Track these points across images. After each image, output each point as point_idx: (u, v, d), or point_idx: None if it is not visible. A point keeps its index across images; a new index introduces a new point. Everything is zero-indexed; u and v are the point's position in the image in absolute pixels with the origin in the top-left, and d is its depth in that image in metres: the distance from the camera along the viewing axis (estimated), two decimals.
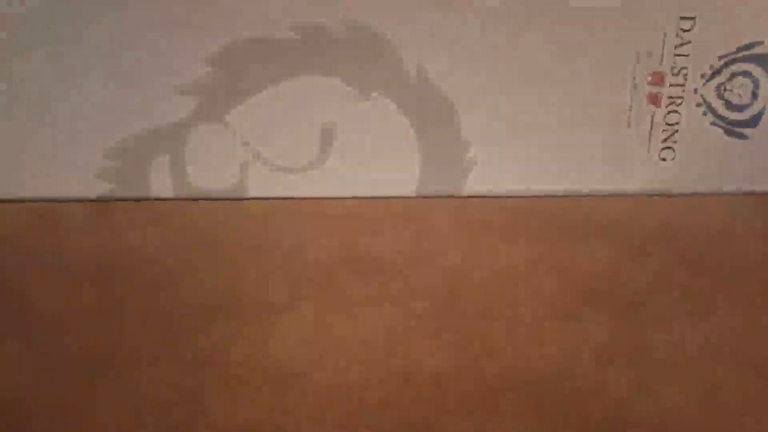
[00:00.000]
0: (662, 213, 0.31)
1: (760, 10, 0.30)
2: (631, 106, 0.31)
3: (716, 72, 0.31)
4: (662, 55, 0.30)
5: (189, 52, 0.29)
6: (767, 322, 0.25)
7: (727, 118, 0.31)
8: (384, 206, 0.31)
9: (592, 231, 0.30)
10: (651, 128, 0.31)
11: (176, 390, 0.22)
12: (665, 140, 0.31)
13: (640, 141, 0.31)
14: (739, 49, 0.30)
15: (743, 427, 0.21)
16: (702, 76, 0.31)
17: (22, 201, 0.30)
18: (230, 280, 0.27)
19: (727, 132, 0.31)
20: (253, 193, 0.31)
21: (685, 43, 0.30)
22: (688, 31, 0.30)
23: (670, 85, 0.31)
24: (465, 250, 0.29)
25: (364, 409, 0.22)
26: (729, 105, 0.31)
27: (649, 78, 0.30)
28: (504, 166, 0.31)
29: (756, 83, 0.31)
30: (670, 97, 0.31)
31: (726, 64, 0.30)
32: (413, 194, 0.31)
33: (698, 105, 0.31)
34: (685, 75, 0.30)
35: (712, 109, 0.31)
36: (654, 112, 0.31)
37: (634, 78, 0.30)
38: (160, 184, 0.31)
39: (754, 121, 0.31)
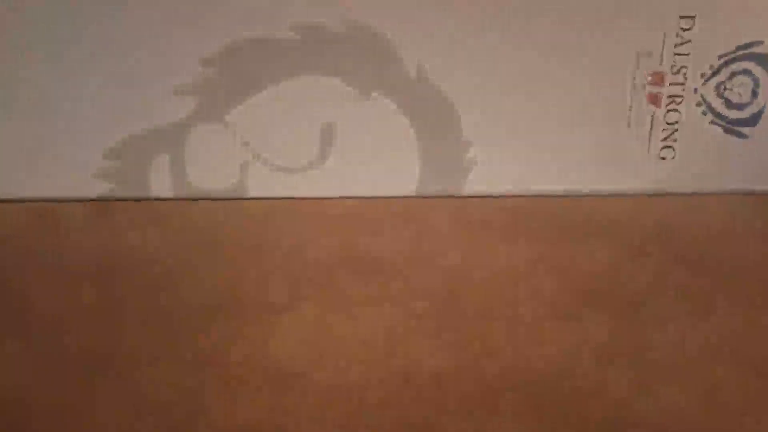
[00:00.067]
0: (662, 213, 0.31)
1: (760, 10, 0.30)
2: (631, 106, 0.31)
3: (716, 71, 0.31)
4: (662, 55, 0.30)
5: (189, 52, 0.29)
6: (767, 322, 0.25)
7: (726, 117, 0.31)
8: (384, 206, 0.31)
9: (592, 231, 0.30)
10: (651, 128, 0.31)
11: (176, 390, 0.22)
12: (665, 139, 0.31)
13: (640, 140, 0.31)
14: (738, 48, 0.30)
15: (743, 427, 0.21)
16: (702, 75, 0.31)
17: (22, 201, 0.30)
18: (230, 280, 0.27)
19: (727, 131, 0.31)
20: (253, 193, 0.31)
21: (685, 43, 0.30)
22: (687, 30, 0.30)
23: (670, 84, 0.31)
24: (465, 250, 0.29)
25: (364, 409, 0.22)
26: (729, 104, 0.31)
27: (649, 77, 0.30)
28: (504, 166, 0.31)
29: (756, 82, 0.31)
30: (670, 97, 0.31)
31: (726, 63, 0.30)
32: (413, 194, 0.31)
33: (698, 104, 0.31)
34: (685, 74, 0.30)
35: (711, 108, 0.31)
36: (654, 112, 0.31)
37: (634, 77, 0.30)
38: (160, 184, 0.31)
39: (753, 120, 0.31)
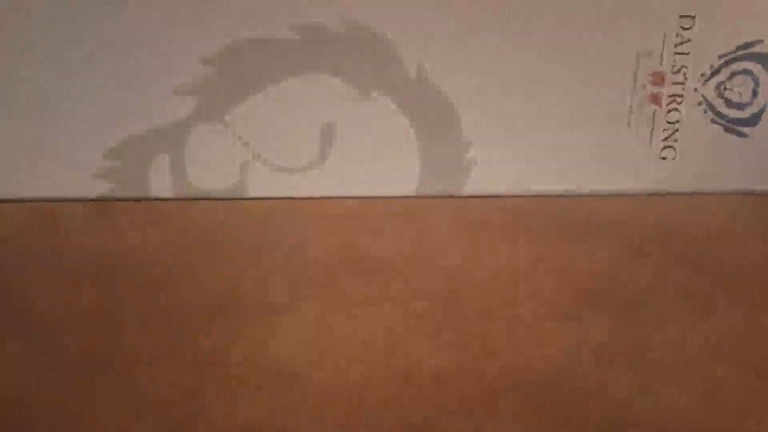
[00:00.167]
0: (662, 213, 0.31)
1: (760, 9, 0.30)
2: (631, 106, 0.31)
3: (716, 71, 0.31)
4: (662, 55, 0.30)
5: (189, 52, 0.29)
6: (767, 322, 0.25)
7: (727, 117, 0.31)
8: (384, 206, 0.31)
9: (592, 231, 0.30)
10: (652, 127, 0.31)
11: (176, 390, 0.22)
12: (666, 139, 0.31)
13: (641, 140, 0.31)
14: (738, 48, 0.30)
15: (743, 427, 0.21)
16: (702, 75, 0.31)
17: (22, 201, 0.30)
18: (230, 280, 0.27)
19: (728, 130, 0.31)
20: (253, 193, 0.31)
21: (685, 42, 0.30)
22: (688, 29, 0.30)
23: (671, 84, 0.31)
24: (465, 250, 0.29)
25: (364, 409, 0.22)
26: (729, 103, 0.31)
27: (650, 77, 0.30)
28: (504, 166, 0.31)
29: (756, 82, 0.31)
30: (671, 96, 0.31)
31: (726, 63, 0.30)
32: (413, 194, 0.31)
33: (699, 104, 0.31)
34: (685, 74, 0.30)
35: (712, 108, 0.31)
36: (655, 111, 0.31)
37: (635, 77, 0.30)
38: (160, 184, 0.31)
39: (754, 120, 0.31)
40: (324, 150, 0.31)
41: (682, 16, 0.30)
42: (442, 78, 0.30)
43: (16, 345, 0.24)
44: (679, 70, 0.30)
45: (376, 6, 0.29)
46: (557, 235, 0.29)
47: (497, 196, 0.31)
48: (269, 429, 0.21)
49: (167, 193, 0.31)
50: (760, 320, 0.25)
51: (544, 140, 0.31)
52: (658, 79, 0.30)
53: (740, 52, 0.30)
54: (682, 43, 0.30)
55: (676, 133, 0.31)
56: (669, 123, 0.31)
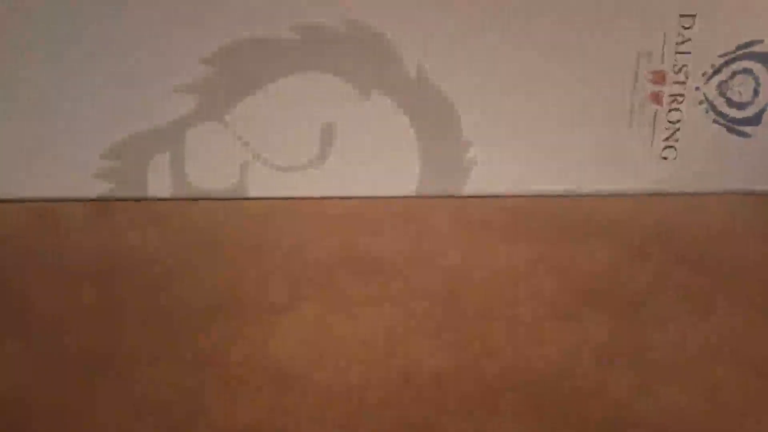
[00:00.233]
0: (662, 213, 0.31)
1: (760, 9, 0.30)
2: (632, 106, 0.31)
3: (717, 70, 0.30)
4: (663, 54, 0.30)
5: (189, 51, 0.29)
6: (767, 322, 0.25)
7: (728, 116, 0.31)
8: (384, 206, 0.31)
9: (592, 231, 0.30)
10: (653, 127, 0.31)
11: (176, 390, 0.22)
12: (667, 139, 0.31)
13: (642, 140, 0.31)
14: (739, 47, 0.30)
15: (743, 427, 0.21)
16: (703, 74, 0.31)
17: (22, 201, 0.30)
18: (230, 280, 0.27)
19: (729, 130, 0.31)
20: (253, 193, 0.31)
21: (686, 41, 0.30)
22: (688, 29, 0.30)
23: (672, 83, 0.31)
24: (465, 250, 0.29)
25: (364, 409, 0.22)
26: (730, 103, 0.31)
27: (650, 77, 0.30)
28: (504, 166, 0.31)
29: (757, 81, 0.31)
30: (672, 96, 0.31)
31: (727, 63, 0.30)
32: (413, 194, 0.31)
33: (700, 103, 0.31)
34: (686, 73, 0.30)
35: (713, 107, 0.31)
36: (656, 111, 0.31)
37: (635, 77, 0.30)
38: (160, 184, 0.31)
39: (755, 119, 0.31)
40: (324, 150, 0.31)
41: (682, 16, 0.30)
42: (442, 78, 0.30)
43: (16, 345, 0.24)
44: (680, 70, 0.30)
45: (376, 6, 0.29)
46: (557, 235, 0.29)
47: (497, 196, 0.31)
48: (269, 429, 0.21)
49: (167, 193, 0.31)
50: (760, 320, 0.25)
51: (544, 140, 0.31)
52: (659, 78, 0.30)
53: (741, 52, 0.30)
54: (682, 43, 0.30)
55: (677, 132, 0.31)
56: (670, 123, 0.31)
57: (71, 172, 0.30)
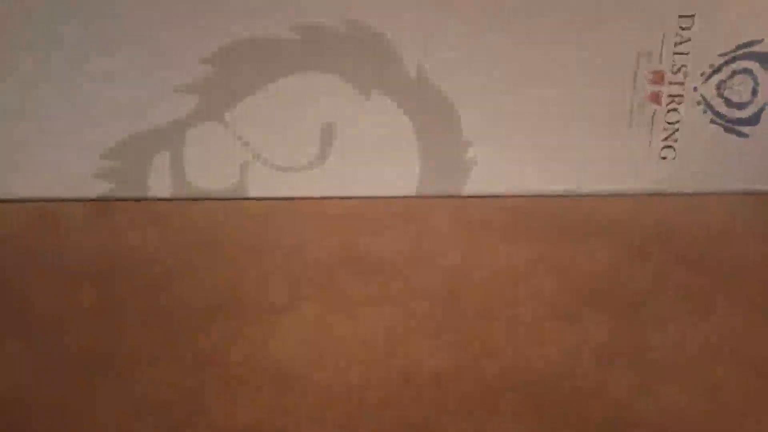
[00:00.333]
0: (662, 213, 0.31)
1: (759, 9, 0.30)
2: (631, 106, 0.31)
3: (716, 70, 0.31)
4: (662, 54, 0.30)
5: (189, 51, 0.29)
6: (767, 322, 0.25)
7: (726, 116, 0.31)
8: (384, 206, 0.31)
9: (592, 231, 0.30)
10: (652, 127, 0.31)
11: (176, 390, 0.22)
12: (666, 139, 0.31)
13: (641, 140, 0.31)
14: (738, 47, 0.30)
15: (743, 427, 0.21)
16: (702, 74, 0.31)
17: (22, 201, 0.30)
18: (230, 280, 0.27)
19: (728, 130, 0.31)
20: (253, 193, 0.31)
21: (685, 42, 0.30)
22: (687, 29, 0.30)
23: (670, 84, 0.31)
24: (465, 250, 0.29)
25: (364, 409, 0.22)
26: (729, 103, 0.31)
27: (650, 77, 0.30)
28: (504, 166, 0.31)
29: (756, 81, 0.31)
30: (671, 96, 0.31)
31: (726, 62, 0.30)
32: (413, 194, 0.31)
33: (698, 103, 0.31)
34: (685, 73, 0.30)
35: (711, 108, 0.31)
36: (654, 111, 0.31)
37: (635, 77, 0.30)
38: (160, 184, 0.31)
39: (754, 119, 0.31)
40: (324, 150, 0.31)
41: (681, 16, 0.30)
42: (442, 78, 0.30)
43: (16, 345, 0.24)
44: (678, 70, 0.30)
45: (376, 6, 0.29)
46: (557, 235, 0.29)
47: (497, 196, 0.31)
48: (269, 429, 0.21)
49: (167, 193, 0.31)
50: (760, 320, 0.25)
51: (544, 140, 0.31)
52: (658, 77, 0.30)
53: (740, 51, 0.30)
54: (681, 43, 0.30)
55: (676, 133, 0.31)
56: (669, 123, 0.31)
57: (71, 172, 0.30)
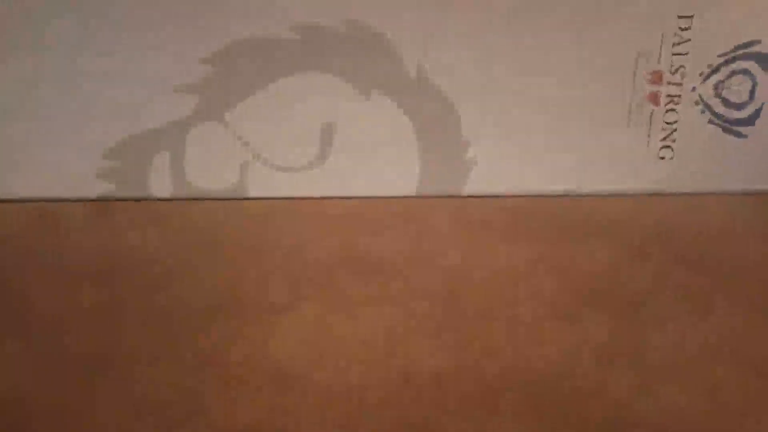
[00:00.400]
0: (662, 213, 0.31)
1: (758, 9, 0.30)
2: (630, 106, 0.31)
3: (714, 70, 0.31)
4: (660, 54, 0.30)
5: (189, 51, 0.29)
6: (767, 322, 0.25)
7: (724, 117, 0.31)
8: (384, 206, 0.31)
9: (592, 231, 0.30)
10: (650, 127, 0.31)
11: (176, 390, 0.22)
12: (664, 139, 0.31)
13: (640, 140, 0.31)
14: (737, 48, 0.30)
15: (743, 427, 0.21)
16: (700, 74, 0.31)
17: (22, 201, 0.30)
18: (230, 280, 0.27)
19: (726, 130, 0.31)
20: (253, 193, 0.31)
21: (684, 42, 0.30)
22: (686, 30, 0.30)
23: (669, 84, 0.31)
24: (465, 250, 0.29)
25: (364, 409, 0.22)
26: (727, 103, 0.31)
27: (648, 77, 0.30)
28: (504, 166, 0.31)
29: (754, 82, 0.31)
30: (669, 96, 0.31)
31: (724, 63, 0.30)
32: (413, 194, 0.31)
33: (696, 103, 0.31)
34: (684, 74, 0.30)
35: (710, 108, 0.31)
36: (653, 111, 0.31)
37: (634, 77, 0.30)
38: (160, 184, 0.31)
39: (752, 120, 0.31)
40: (324, 150, 0.31)
41: (680, 17, 0.30)
42: (442, 78, 0.30)
43: (16, 345, 0.24)
44: (677, 71, 0.30)
45: (376, 6, 0.29)
46: (557, 235, 0.29)
47: (497, 196, 0.31)
48: (269, 429, 0.21)
49: (167, 193, 0.31)
50: (760, 320, 0.25)
51: (543, 140, 0.31)
52: (657, 78, 0.30)
53: (739, 52, 0.30)
54: (680, 44, 0.30)
55: (674, 133, 0.31)
56: (667, 123, 0.31)
57: (71, 172, 0.30)
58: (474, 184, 0.31)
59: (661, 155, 0.31)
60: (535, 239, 0.29)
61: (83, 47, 0.29)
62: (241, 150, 0.30)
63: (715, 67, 0.30)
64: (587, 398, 0.22)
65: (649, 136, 0.31)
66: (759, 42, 0.30)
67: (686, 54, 0.30)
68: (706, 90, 0.31)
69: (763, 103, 0.31)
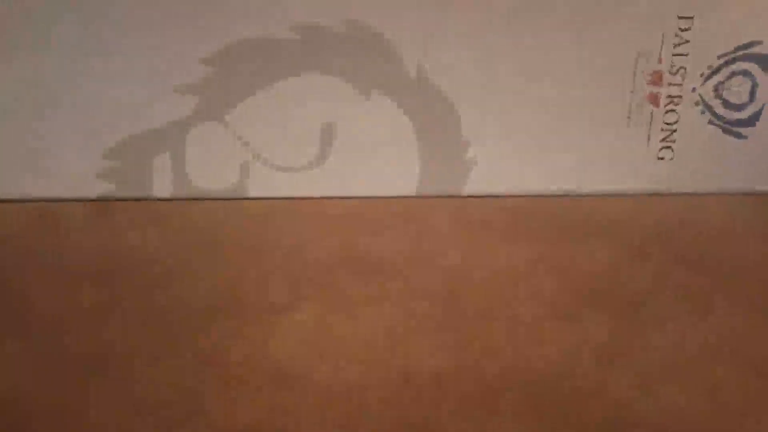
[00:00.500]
0: (662, 213, 0.31)
1: (758, 10, 0.30)
2: (630, 106, 0.31)
3: (715, 71, 0.31)
4: (661, 55, 0.30)
5: (189, 51, 0.29)
6: (767, 322, 0.25)
7: (725, 118, 0.31)
8: (384, 206, 0.31)
9: (592, 231, 0.30)
10: (650, 128, 0.31)
11: (176, 390, 0.22)
12: (664, 140, 0.31)
13: (640, 141, 0.31)
14: (737, 49, 0.30)
15: (743, 427, 0.21)
16: (701, 75, 0.31)
17: (22, 201, 0.30)
18: (230, 280, 0.27)
19: (726, 131, 0.31)
20: (253, 193, 0.31)
21: (684, 43, 0.30)
22: (686, 30, 0.30)
23: (669, 85, 0.31)
24: (465, 250, 0.29)
25: (364, 409, 0.22)
26: (727, 104, 0.31)
27: (648, 77, 0.30)
28: (504, 166, 0.31)
29: (754, 83, 0.31)
30: (669, 97, 0.31)
31: (725, 64, 0.30)
32: (413, 194, 0.31)
33: (696, 104, 0.31)
34: (683, 75, 0.30)
35: (710, 109, 0.31)
36: (653, 112, 0.31)
37: (634, 78, 0.30)
38: (160, 184, 0.31)
39: (752, 121, 0.31)
40: (324, 150, 0.31)
41: (680, 17, 0.30)
42: (442, 78, 0.30)
43: (16, 345, 0.24)
44: (677, 71, 0.30)
45: (376, 6, 0.29)
46: (557, 235, 0.29)
47: (497, 196, 0.31)
48: (269, 429, 0.21)
49: (167, 193, 0.31)
50: (760, 320, 0.25)
51: (543, 140, 0.31)
52: (657, 78, 0.30)
53: (740, 53, 0.30)
54: (680, 44, 0.30)
55: (674, 134, 0.31)
56: (667, 124, 0.31)
57: (71, 172, 0.30)
58: (474, 184, 0.31)
59: (660, 156, 0.31)
60: (535, 239, 0.29)
61: (83, 47, 0.29)
62: (241, 150, 0.30)
63: (716, 67, 0.30)
64: (587, 398, 0.22)
65: (649, 136, 0.31)
66: (759, 43, 0.30)
67: (686, 55, 0.30)
68: (707, 91, 0.31)
69: (763, 104, 0.31)
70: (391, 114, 0.30)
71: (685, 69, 0.30)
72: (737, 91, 0.31)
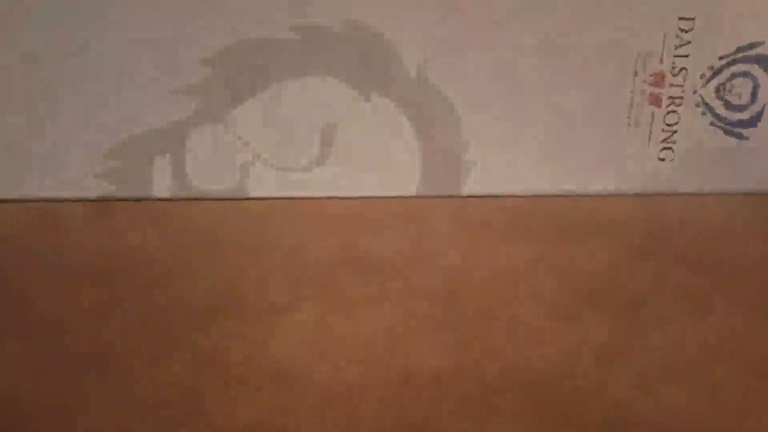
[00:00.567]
0: (662, 213, 0.31)
1: (760, 11, 0.30)
2: (631, 107, 0.31)
3: (716, 72, 0.31)
4: (662, 56, 0.30)
5: (189, 52, 0.29)
6: (767, 322, 0.25)
7: (726, 119, 0.31)
8: (384, 206, 0.31)
9: (592, 231, 0.30)
10: (651, 129, 0.31)
11: (176, 390, 0.22)
12: (665, 140, 0.31)
13: (640, 141, 0.31)
14: (739, 50, 0.30)
15: (743, 427, 0.21)
16: (702, 76, 0.31)
17: (22, 201, 0.30)
18: (230, 280, 0.27)
19: (727, 132, 0.31)
20: (253, 193, 0.31)
21: (685, 44, 0.30)
22: (687, 31, 0.30)
23: (670, 86, 0.31)
24: (465, 250, 0.29)
25: (364, 409, 0.22)
26: (728, 105, 0.31)
27: (649, 78, 0.30)
28: (504, 166, 0.31)
29: (756, 84, 0.31)
30: (670, 98, 0.31)
31: (726, 65, 0.30)
32: (413, 194, 0.31)
33: (697, 105, 0.31)
34: (684, 76, 0.30)
35: (711, 110, 0.31)
36: (654, 113, 0.31)
37: (634, 78, 0.30)
38: (161, 185, 0.31)
39: (753, 122, 0.31)
40: (324, 150, 0.31)
41: (681, 18, 0.30)
42: (442, 78, 0.30)
43: (16, 345, 0.24)
44: (678, 72, 0.30)
45: (376, 6, 0.29)
46: (557, 235, 0.29)
47: (497, 196, 0.31)
48: (269, 429, 0.21)
49: (167, 193, 0.31)
50: (760, 320, 0.25)
51: (543, 140, 0.31)
52: (659, 79, 0.30)
53: (741, 54, 0.30)
54: (681, 45, 0.30)
55: (675, 135, 0.31)
56: (667, 125, 0.31)
57: (71, 172, 0.30)
58: (474, 184, 0.31)
59: (661, 156, 0.31)
60: (535, 239, 0.29)
61: (83, 47, 0.29)
62: (241, 150, 0.30)
63: (717, 68, 0.30)
64: (587, 398, 0.22)
65: (649, 137, 0.31)
66: (761, 44, 0.30)
67: (687, 56, 0.30)
68: (708, 92, 0.31)
69: (764, 105, 0.31)
70: (391, 114, 0.30)
71: (687, 70, 0.30)
72: (738, 92, 0.31)
